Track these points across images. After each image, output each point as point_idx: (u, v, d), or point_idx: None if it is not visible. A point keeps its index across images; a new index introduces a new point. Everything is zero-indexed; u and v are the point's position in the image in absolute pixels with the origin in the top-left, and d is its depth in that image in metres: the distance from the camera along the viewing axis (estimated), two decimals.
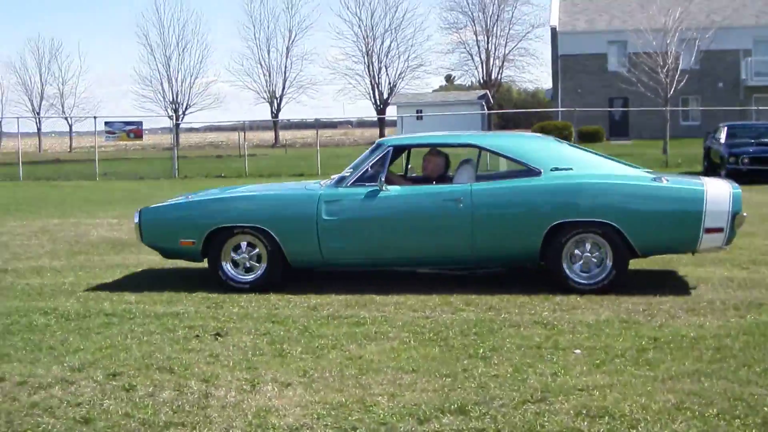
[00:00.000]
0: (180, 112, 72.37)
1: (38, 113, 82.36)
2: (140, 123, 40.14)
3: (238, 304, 8.48)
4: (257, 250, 9.29)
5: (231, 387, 5.85)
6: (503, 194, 8.94)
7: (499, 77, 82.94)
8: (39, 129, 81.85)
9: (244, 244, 9.29)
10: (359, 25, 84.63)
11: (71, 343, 7.11)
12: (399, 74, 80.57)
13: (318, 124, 41.65)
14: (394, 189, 9.14)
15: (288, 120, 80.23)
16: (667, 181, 8.82)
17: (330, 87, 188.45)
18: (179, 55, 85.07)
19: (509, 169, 9.70)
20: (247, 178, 30.52)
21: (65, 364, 6.45)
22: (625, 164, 9.49)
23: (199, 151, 65.10)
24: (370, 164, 9.31)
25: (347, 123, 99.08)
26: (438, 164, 9.86)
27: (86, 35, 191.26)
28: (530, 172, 8.94)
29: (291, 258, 9.24)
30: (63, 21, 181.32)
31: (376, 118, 79.15)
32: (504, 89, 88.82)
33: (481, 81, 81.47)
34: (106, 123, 39.10)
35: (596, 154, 9.63)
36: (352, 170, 9.38)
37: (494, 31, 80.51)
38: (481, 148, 9.69)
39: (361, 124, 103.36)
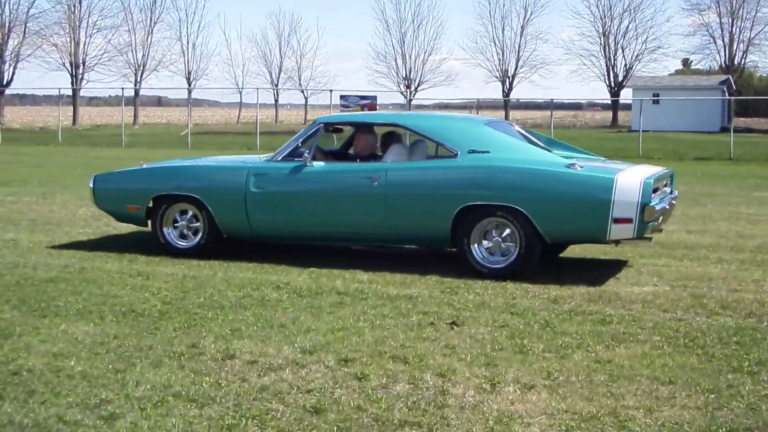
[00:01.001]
0: (412, 89, 72.65)
1: (276, 85, 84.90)
2: (374, 98, 40.67)
3: (474, 291, 8.05)
4: (195, 218, 9.84)
5: (469, 385, 5.40)
6: (415, 174, 9.02)
7: (742, 62, 78.72)
8: (276, 100, 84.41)
9: (188, 213, 9.85)
10: (597, 5, 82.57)
11: (303, 321, 6.88)
12: (636, 56, 77.99)
13: (552, 105, 40.63)
14: (318, 165, 9.35)
15: (517, 99, 79.01)
16: (581, 168, 8.49)
17: (562, 67, 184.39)
18: (414, 31, 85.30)
19: (435, 152, 9.61)
20: None
21: (296, 345, 6.19)
22: (575, 151, 9.74)
23: None
24: (301, 140, 9.55)
25: (596, 106, 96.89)
26: (368, 142, 9.86)
27: (325, 10, 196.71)
28: (448, 153, 9.00)
29: (222, 227, 9.69)
30: None
31: (609, 101, 77.00)
32: (745, 75, 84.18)
33: (723, 65, 77.47)
34: (342, 97, 39.80)
35: (535, 139, 9.68)
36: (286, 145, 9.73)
37: (740, 13, 76.32)
38: (405, 128, 9.76)
39: (592, 105, 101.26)
